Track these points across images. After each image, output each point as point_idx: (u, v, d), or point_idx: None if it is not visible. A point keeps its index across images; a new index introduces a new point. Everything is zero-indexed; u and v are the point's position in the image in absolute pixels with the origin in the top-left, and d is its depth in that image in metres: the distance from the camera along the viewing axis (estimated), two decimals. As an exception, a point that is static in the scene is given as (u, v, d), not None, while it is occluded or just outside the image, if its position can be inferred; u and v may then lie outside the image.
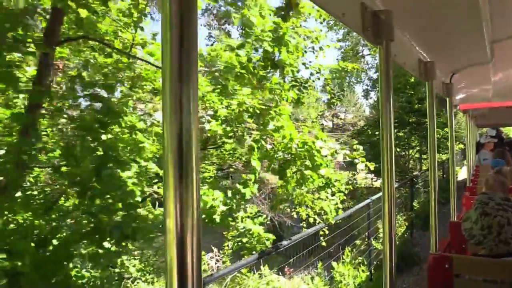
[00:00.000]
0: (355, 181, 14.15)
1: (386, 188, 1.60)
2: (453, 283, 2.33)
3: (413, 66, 2.52)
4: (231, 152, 7.99)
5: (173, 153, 0.64)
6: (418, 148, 14.90)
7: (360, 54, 35.75)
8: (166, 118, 0.65)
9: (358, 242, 7.34)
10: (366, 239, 7.20)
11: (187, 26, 0.65)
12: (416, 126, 13.93)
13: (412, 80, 12.35)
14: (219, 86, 5.40)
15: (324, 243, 6.14)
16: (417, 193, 10.69)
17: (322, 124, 54.38)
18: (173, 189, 0.64)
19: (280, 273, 6.66)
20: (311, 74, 6.44)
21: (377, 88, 20.94)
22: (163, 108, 0.66)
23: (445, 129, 12.25)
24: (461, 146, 16.18)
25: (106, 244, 3.89)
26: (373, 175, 14.55)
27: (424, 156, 14.49)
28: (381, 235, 5.54)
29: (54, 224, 3.97)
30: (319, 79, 6.70)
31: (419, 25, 2.10)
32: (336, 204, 5.83)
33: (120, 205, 3.92)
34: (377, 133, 13.62)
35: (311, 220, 5.97)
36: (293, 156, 5.27)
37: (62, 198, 4.49)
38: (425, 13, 1.91)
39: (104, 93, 4.54)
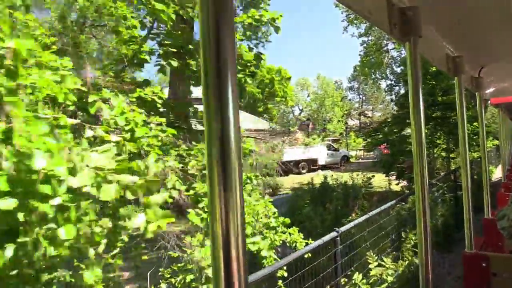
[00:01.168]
0: (369, 185, 13.09)
1: (419, 189, 1.59)
2: (491, 282, 2.24)
3: (440, 61, 2.49)
4: None
5: (216, 159, 0.65)
6: (444, 146, 13.42)
7: (384, 48, 34.99)
8: (208, 124, 0.66)
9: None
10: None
11: (224, 30, 0.66)
12: (440, 122, 12.70)
13: (434, 69, 11.33)
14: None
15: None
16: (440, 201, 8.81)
17: (346, 123, 53.94)
18: (218, 194, 0.65)
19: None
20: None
21: (401, 83, 20.40)
22: (205, 114, 0.67)
23: (474, 123, 11.38)
24: (496, 142, 15.05)
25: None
26: (394, 177, 13.56)
27: (452, 155, 13.28)
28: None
29: None
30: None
31: (446, 20, 2.06)
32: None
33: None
34: (395, 130, 12.89)
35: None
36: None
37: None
38: (452, 7, 1.88)
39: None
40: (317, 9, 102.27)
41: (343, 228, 4.51)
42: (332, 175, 21.87)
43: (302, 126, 42.39)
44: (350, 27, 34.14)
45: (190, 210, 4.26)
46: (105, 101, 3.32)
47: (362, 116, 57.70)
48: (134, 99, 4.20)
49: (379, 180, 15.18)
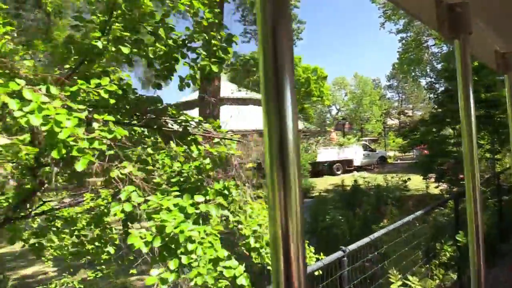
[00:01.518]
0: (405, 188, 12.26)
1: (470, 190, 1.51)
2: None
3: (488, 57, 2.32)
4: None
5: (275, 159, 0.64)
6: (488, 146, 12.24)
7: (424, 44, 33.61)
8: (266, 125, 0.66)
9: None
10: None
11: (282, 32, 0.65)
12: (484, 120, 11.61)
13: (475, 63, 10.37)
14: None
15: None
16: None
17: (384, 122, 52.36)
18: (277, 195, 0.64)
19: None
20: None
21: (442, 81, 19.21)
22: (264, 114, 0.67)
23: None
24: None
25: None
26: (433, 179, 12.60)
27: (498, 156, 12.10)
28: None
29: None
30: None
31: (496, 15, 1.95)
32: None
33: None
34: (433, 130, 11.99)
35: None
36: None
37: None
38: (502, 1, 1.80)
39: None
40: (354, 6, 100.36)
41: (353, 246, 3.68)
42: (367, 177, 21.14)
43: (338, 126, 41.46)
44: (388, 23, 33.00)
45: (131, 230, 3.55)
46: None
47: (402, 115, 55.90)
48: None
49: (417, 183, 14.34)
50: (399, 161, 31.61)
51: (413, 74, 37.38)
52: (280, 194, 0.64)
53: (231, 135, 4.84)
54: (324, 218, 6.68)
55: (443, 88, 12.93)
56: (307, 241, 5.03)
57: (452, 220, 7.19)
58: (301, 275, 0.66)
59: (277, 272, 0.66)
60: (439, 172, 12.54)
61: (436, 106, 12.82)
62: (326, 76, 59.36)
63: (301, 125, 30.10)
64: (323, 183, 19.91)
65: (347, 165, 23.08)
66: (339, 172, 22.56)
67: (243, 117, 34.60)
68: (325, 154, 22.07)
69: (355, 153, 23.75)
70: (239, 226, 4.31)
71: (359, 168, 22.96)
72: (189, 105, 39.28)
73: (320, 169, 22.30)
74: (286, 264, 0.66)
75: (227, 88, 40.63)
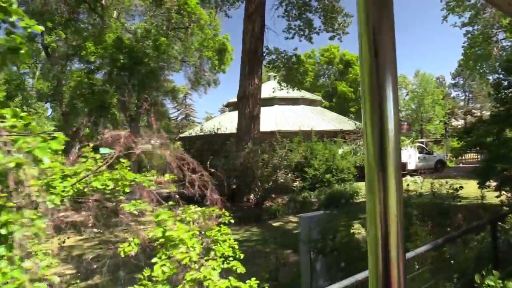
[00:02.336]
0: (458, 196, 10.67)
1: None
2: None
3: None
4: None
5: (376, 161, 0.66)
6: None
7: (494, 38, 30.71)
8: (366, 125, 0.68)
9: None
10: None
11: (385, 31, 0.68)
12: None
13: None
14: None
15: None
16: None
17: (446, 123, 48.84)
18: (377, 197, 0.66)
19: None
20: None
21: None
22: (364, 115, 0.68)
23: None
24: None
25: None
26: (493, 187, 10.87)
27: None
28: None
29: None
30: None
31: None
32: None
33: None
34: (494, 131, 10.39)
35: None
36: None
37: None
38: None
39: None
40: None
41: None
42: (419, 182, 19.43)
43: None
44: (451, 16, 30.52)
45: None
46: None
47: (468, 116, 51.91)
48: None
49: (476, 190, 12.67)
50: (461, 165, 29.09)
51: (480, 70, 34.42)
52: (380, 196, 0.66)
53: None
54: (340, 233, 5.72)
55: (505, 83, 11.26)
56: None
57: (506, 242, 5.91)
58: (401, 279, 0.66)
59: (375, 276, 0.66)
60: (501, 178, 10.93)
61: (498, 105, 11.20)
62: (385, 75, 56.67)
63: (351, 125, 28.64)
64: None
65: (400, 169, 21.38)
66: (390, 176, 21.00)
67: (292, 117, 33.73)
68: (375, 157, 20.62)
69: (409, 156, 21.99)
70: None
71: (414, 172, 21.21)
72: (235, 105, 39.22)
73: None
74: (385, 268, 0.66)
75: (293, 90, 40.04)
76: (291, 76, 17.77)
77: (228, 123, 34.43)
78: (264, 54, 16.62)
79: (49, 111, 37.23)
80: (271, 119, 32.75)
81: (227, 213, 3.79)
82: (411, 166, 21.26)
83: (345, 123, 30.60)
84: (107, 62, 23.26)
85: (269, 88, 39.07)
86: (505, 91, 11.38)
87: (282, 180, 15.38)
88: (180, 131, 38.09)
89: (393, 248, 0.65)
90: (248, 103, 16.22)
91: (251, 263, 7.17)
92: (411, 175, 20.97)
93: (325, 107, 56.76)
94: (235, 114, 38.69)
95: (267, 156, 15.02)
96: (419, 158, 23.05)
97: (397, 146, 0.66)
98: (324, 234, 4.86)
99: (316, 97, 41.99)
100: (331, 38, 17.50)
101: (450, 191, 10.63)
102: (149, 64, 23.03)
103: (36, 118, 20.69)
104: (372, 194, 0.66)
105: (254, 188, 15.03)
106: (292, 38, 17.78)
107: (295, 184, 16.85)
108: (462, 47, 32.95)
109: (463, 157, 27.06)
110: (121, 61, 22.05)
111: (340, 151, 22.23)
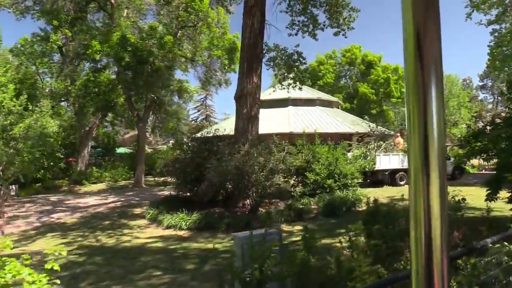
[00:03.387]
0: (465, 207, 9.39)
1: None
2: None
3: None
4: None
5: (419, 160, 0.66)
6: None
7: (523, 36, 28.85)
8: (410, 126, 0.67)
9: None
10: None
11: (430, 31, 0.67)
12: None
13: None
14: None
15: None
16: None
17: (469, 126, 46.46)
18: (421, 198, 0.66)
19: None
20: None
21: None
22: (408, 116, 0.68)
23: None
24: None
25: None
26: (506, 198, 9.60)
27: None
28: None
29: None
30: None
31: None
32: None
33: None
34: (505, 135, 9.12)
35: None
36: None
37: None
38: None
39: None
40: None
41: None
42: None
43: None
44: (476, 14, 28.76)
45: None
46: None
47: (497, 119, 49.39)
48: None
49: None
50: (484, 171, 27.31)
51: (508, 71, 32.44)
52: (423, 197, 0.65)
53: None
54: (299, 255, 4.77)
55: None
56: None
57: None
58: (445, 282, 0.65)
59: (417, 277, 0.66)
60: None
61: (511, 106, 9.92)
62: (408, 76, 54.63)
63: (365, 127, 27.33)
64: (378, 195, 17.29)
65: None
66: (402, 183, 19.59)
67: (306, 119, 32.62)
68: (385, 162, 19.28)
69: None
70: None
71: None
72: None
73: (380, 179, 19.59)
74: (427, 270, 0.65)
75: (296, 89, 38.97)
76: (294, 75, 16.52)
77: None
78: (264, 51, 15.69)
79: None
80: (284, 120, 31.77)
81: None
82: (426, 172, 19.80)
83: (361, 126, 29.31)
84: (112, 61, 22.85)
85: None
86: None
87: (279, 185, 14.43)
88: (193, 132, 37.48)
89: (436, 250, 0.65)
90: (246, 103, 15.34)
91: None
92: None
93: (345, 108, 55.27)
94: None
95: (263, 159, 14.08)
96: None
97: (441, 148, 0.66)
98: (253, 260, 3.89)
99: (333, 98, 40.73)
100: (335, 34, 16.42)
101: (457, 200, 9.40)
102: (154, 63, 22.48)
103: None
104: (415, 195, 0.65)
105: (249, 193, 14.13)
106: (296, 34, 16.80)
107: (296, 189, 15.85)
108: (488, 46, 31.11)
109: (487, 163, 25.32)
110: (126, 59, 21.59)
111: (349, 154, 21.06)
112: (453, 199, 9.84)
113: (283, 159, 14.82)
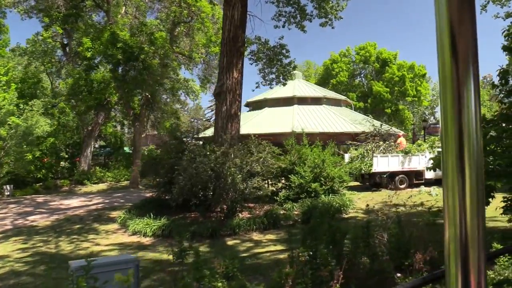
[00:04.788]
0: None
1: None
2: None
3: None
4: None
5: (454, 161, 0.65)
6: None
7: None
8: (445, 125, 0.66)
9: None
10: None
11: (465, 25, 0.65)
12: None
13: None
14: None
15: None
16: None
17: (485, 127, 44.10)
18: (457, 196, 0.64)
19: None
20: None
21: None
22: (442, 114, 0.67)
23: None
24: None
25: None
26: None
27: None
28: None
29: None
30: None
31: None
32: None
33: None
34: (493, 134, 7.72)
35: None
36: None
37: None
38: None
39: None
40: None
41: None
42: (436, 194, 16.71)
43: (430, 129, 35.59)
44: (491, 6, 26.84)
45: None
46: None
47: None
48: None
49: (491, 208, 9.92)
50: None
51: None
52: (459, 197, 0.64)
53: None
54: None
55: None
56: None
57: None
58: (482, 281, 0.63)
59: (454, 276, 0.64)
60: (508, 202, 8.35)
61: (505, 99, 8.55)
62: (425, 74, 52.55)
63: (376, 126, 25.87)
64: (372, 200, 15.90)
65: (415, 178, 18.50)
66: (402, 186, 18.10)
67: (311, 118, 31.29)
68: (383, 163, 17.83)
69: (427, 162, 19.01)
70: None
71: (434, 181, 18.28)
72: (258, 104, 37.22)
73: (378, 182, 18.17)
74: (464, 269, 0.64)
75: (302, 87, 37.65)
76: (275, 69, 15.30)
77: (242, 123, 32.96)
78: (246, 45, 14.58)
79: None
80: (289, 120, 30.55)
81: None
82: (429, 174, 18.27)
83: (360, 124, 27.85)
84: (104, 58, 22.17)
85: (292, 86, 36.90)
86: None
87: (258, 189, 13.31)
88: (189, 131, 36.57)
89: (473, 249, 0.63)
90: (225, 100, 14.28)
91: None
92: (428, 185, 18.11)
93: (359, 108, 53.48)
94: (251, 114, 36.89)
95: (239, 160, 12.98)
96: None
97: (477, 146, 0.64)
98: None
99: (341, 96, 39.20)
100: (322, 25, 15.15)
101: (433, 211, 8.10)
102: (145, 60, 21.67)
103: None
104: (451, 195, 0.64)
105: (225, 197, 13.06)
106: (283, 26, 15.61)
107: (280, 193, 14.68)
108: (506, 41, 29.12)
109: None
110: (115, 57, 20.86)
111: (347, 156, 19.72)
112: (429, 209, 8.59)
113: (263, 161, 13.68)
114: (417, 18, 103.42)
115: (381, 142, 19.64)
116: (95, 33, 22.93)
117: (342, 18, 14.86)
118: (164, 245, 11.11)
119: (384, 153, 18.71)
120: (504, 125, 8.37)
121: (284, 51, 14.50)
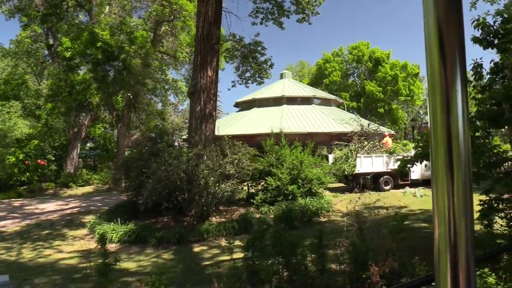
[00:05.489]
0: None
1: None
2: None
3: None
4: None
5: (443, 161, 0.66)
6: None
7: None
8: (434, 125, 0.67)
9: None
10: None
11: (452, 26, 0.66)
12: None
13: None
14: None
15: None
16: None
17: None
18: (446, 195, 0.65)
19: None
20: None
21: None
22: (430, 115, 0.68)
23: None
24: None
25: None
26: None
27: None
28: None
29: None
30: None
31: None
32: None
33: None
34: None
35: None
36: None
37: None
38: None
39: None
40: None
41: None
42: (421, 195, 16.27)
43: (422, 128, 35.09)
44: (481, 3, 26.45)
45: None
46: None
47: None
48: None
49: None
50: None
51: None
52: (448, 196, 0.64)
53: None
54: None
55: (492, 65, 8.01)
56: None
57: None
58: (471, 281, 0.64)
59: (443, 275, 0.64)
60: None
61: (478, 95, 8.03)
62: (418, 73, 52.06)
63: (365, 126, 25.38)
64: (352, 203, 15.36)
65: (401, 178, 17.99)
66: (387, 187, 17.59)
67: (300, 118, 30.78)
68: (367, 164, 17.32)
69: (394, 164, 18.44)
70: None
71: (421, 182, 17.79)
72: (247, 105, 36.68)
73: (362, 183, 17.65)
74: (453, 268, 0.64)
75: (292, 87, 37.13)
76: (249, 66, 14.77)
77: (226, 125, 32.27)
78: (221, 43, 14.06)
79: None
80: (277, 120, 30.01)
81: None
82: (415, 175, 17.74)
83: (347, 124, 27.32)
84: (83, 58, 21.61)
85: (281, 86, 36.38)
86: (495, 75, 8.19)
87: (232, 192, 12.79)
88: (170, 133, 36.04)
89: (461, 248, 0.64)
90: (199, 100, 13.76)
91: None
92: (414, 186, 17.62)
93: (352, 107, 52.98)
94: (238, 114, 36.34)
95: (211, 162, 12.47)
96: (425, 165, 19.50)
97: (465, 146, 0.65)
98: None
99: (331, 96, 38.70)
100: (299, 21, 14.64)
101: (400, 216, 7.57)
102: (125, 60, 21.13)
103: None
104: (440, 194, 0.65)
105: (198, 201, 12.53)
106: (261, 23, 15.10)
107: (257, 196, 14.14)
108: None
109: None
110: (94, 56, 20.31)
111: (331, 157, 19.23)
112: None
113: (238, 162, 13.15)
114: (410, 17, 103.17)
115: (365, 142, 19.12)
116: (76, 33, 22.38)
117: (319, 13, 14.37)
118: (128, 252, 10.59)
119: (368, 154, 18.19)
120: (478, 123, 7.86)
121: (259, 48, 13.98)
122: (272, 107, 33.05)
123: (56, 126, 32.27)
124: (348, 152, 18.53)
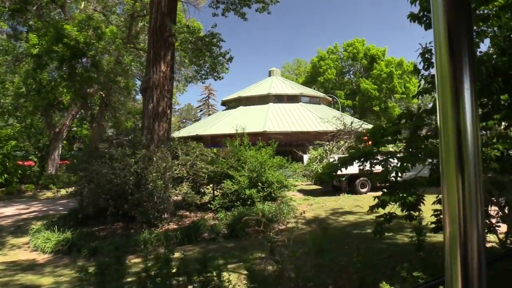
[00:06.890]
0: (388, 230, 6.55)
1: None
2: None
3: None
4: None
5: (453, 159, 0.64)
6: None
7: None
8: (443, 123, 0.65)
9: None
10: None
11: (461, 25, 0.64)
12: None
13: None
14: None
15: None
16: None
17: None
18: (456, 193, 0.64)
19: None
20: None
21: None
22: (439, 112, 0.65)
23: None
24: None
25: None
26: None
27: None
28: None
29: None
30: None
31: None
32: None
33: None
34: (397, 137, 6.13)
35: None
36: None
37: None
38: None
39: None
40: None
41: None
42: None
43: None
44: None
45: None
46: None
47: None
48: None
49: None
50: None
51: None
52: (459, 195, 0.63)
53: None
54: None
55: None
56: None
57: None
58: (483, 279, 0.63)
59: (453, 274, 0.63)
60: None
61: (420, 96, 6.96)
62: (415, 65, 50.70)
63: (355, 124, 24.25)
64: (324, 207, 14.29)
65: (379, 181, 16.83)
66: (364, 190, 16.48)
67: (285, 116, 29.70)
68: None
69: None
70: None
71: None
72: (234, 103, 35.65)
73: (337, 185, 16.56)
74: (463, 267, 0.63)
75: (279, 85, 36.03)
76: (203, 60, 13.66)
77: (210, 124, 31.23)
78: (175, 35, 12.99)
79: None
80: (261, 119, 28.98)
81: None
82: (394, 176, 16.69)
83: (330, 123, 26.22)
84: (48, 55, 20.61)
85: (268, 84, 35.30)
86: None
87: (180, 196, 11.78)
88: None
89: (472, 247, 0.62)
90: (152, 97, 12.74)
91: None
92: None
93: (347, 106, 51.79)
94: (223, 113, 35.32)
95: (161, 164, 11.44)
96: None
97: (475, 144, 0.63)
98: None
99: (320, 94, 37.58)
100: (259, 11, 13.56)
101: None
102: (94, 56, 20.14)
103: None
104: (450, 192, 0.63)
105: (146, 207, 11.50)
106: (223, 14, 14.04)
107: (214, 201, 13.10)
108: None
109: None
110: (58, 53, 19.34)
111: (305, 157, 18.16)
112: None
113: (192, 164, 12.12)
114: (406, 13, 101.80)
115: (341, 142, 18.01)
116: (45, 29, 21.42)
117: (278, 2, 13.29)
118: (55, 264, 9.59)
119: (343, 154, 17.09)
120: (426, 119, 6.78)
121: (215, 40, 12.89)
122: (258, 105, 32.02)
123: (39, 126, 31.45)
124: (323, 153, 17.44)
